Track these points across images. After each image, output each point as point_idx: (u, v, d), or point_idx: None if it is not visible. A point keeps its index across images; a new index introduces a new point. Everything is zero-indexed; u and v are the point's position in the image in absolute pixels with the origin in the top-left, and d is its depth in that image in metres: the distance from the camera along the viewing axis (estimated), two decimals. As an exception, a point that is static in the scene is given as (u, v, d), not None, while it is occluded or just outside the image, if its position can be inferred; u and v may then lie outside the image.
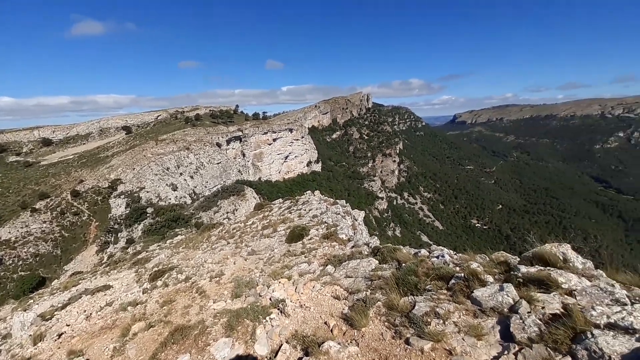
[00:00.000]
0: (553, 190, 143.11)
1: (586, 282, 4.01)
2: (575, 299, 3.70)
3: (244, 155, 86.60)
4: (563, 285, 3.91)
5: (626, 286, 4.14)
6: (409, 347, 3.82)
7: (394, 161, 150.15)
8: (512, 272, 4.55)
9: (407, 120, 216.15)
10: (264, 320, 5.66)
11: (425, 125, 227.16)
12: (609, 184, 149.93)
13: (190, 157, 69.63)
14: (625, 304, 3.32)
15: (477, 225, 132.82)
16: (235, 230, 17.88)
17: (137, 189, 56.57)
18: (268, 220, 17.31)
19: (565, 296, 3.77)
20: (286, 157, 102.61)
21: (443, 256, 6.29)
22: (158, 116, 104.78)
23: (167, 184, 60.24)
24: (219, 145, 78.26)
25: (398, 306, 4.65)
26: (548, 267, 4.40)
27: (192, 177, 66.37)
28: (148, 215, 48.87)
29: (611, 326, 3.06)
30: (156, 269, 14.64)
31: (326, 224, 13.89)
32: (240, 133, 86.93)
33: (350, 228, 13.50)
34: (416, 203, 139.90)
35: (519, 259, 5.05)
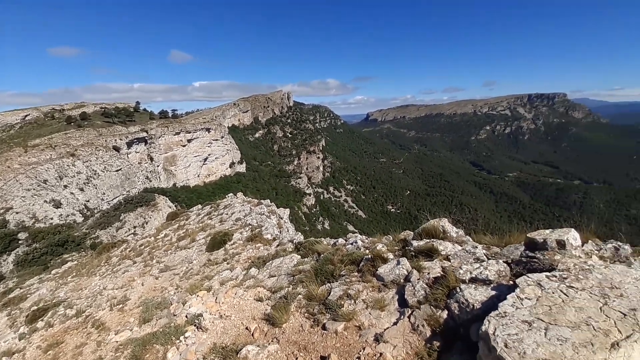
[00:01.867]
0: (445, 175, 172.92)
1: (458, 247, 4.98)
2: (450, 262, 4.55)
3: (151, 159, 75.88)
4: (442, 252, 4.77)
5: (486, 246, 5.32)
6: (325, 331, 4.04)
7: (319, 158, 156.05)
8: (406, 247, 5.30)
9: (327, 118, 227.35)
10: (178, 341, 5.13)
11: (343, 123, 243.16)
12: (482, 167, 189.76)
13: (77, 165, 57.05)
14: (483, 261, 4.26)
15: (392, 210, 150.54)
16: (143, 247, 15.61)
17: (1, 210, 43.47)
18: (185, 230, 15.70)
19: (444, 261, 4.61)
20: (205, 159, 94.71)
21: (356, 242, 6.86)
22: (26, 116, 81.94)
23: (45, 201, 48.01)
24: (117, 149, 66.45)
25: (317, 295, 4.86)
26: (433, 239, 5.29)
27: (81, 189, 54.62)
28: (20, 242, 38.07)
29: (473, 280, 3.87)
30: (35, 307, 11.63)
31: (250, 226, 13.46)
32: (145, 134, 75.66)
33: (275, 227, 13.41)
34: (341, 196, 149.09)
35: (412, 235, 5.91)
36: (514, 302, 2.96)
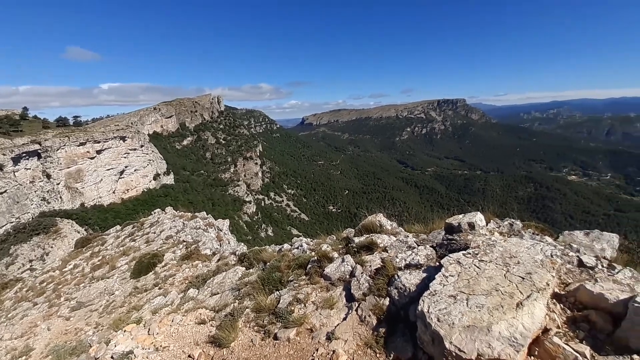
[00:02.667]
0: (377, 173, 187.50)
1: (393, 238, 5.46)
2: (388, 252, 4.96)
3: (48, 176, 62.53)
4: (380, 245, 5.16)
5: (416, 235, 5.95)
6: (277, 341, 3.95)
7: (256, 164, 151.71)
8: (349, 245, 5.58)
9: (263, 123, 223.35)
10: (103, 389, 4.35)
11: (279, 127, 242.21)
12: (407, 164, 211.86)
13: None
14: (414, 248, 4.76)
15: (333, 210, 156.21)
16: (45, 284, 12.76)
17: None
18: (101, 257, 13.41)
19: (382, 252, 4.99)
20: (122, 172, 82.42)
21: (302, 245, 6.89)
22: None
23: None
24: (-2, 167, 52.95)
25: (266, 306, 4.71)
26: (371, 234, 5.69)
27: (-57, 221, 41.87)
28: None
29: (408, 266, 4.30)
30: None
31: (185, 243, 12.27)
32: (37, 146, 61.96)
33: (215, 241, 12.52)
34: (282, 201, 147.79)
35: (353, 232, 6.25)
36: (441, 281, 3.40)
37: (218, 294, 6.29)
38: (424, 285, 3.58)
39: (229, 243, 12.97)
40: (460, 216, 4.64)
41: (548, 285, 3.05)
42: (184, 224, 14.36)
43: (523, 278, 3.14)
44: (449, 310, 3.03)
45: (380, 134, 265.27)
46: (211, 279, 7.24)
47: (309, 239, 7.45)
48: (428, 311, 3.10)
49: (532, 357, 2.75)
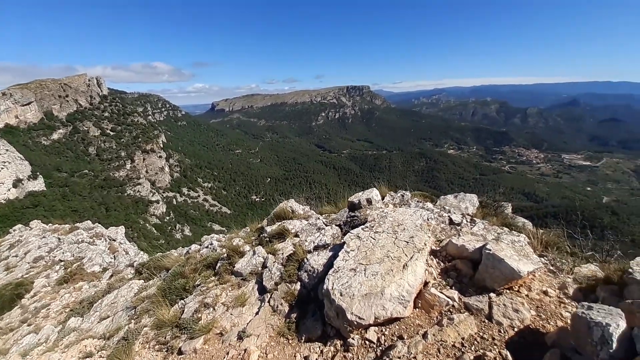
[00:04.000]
0: (297, 158, 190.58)
1: (304, 222, 5.54)
2: (299, 237, 5.00)
3: None
4: (292, 231, 5.16)
5: (327, 215, 6.18)
6: (182, 356, 3.53)
7: (160, 157, 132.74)
8: (262, 235, 5.40)
9: (164, 109, 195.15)
10: None
11: (186, 114, 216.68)
12: (325, 147, 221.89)
13: None
14: (323, 229, 4.92)
15: (256, 199, 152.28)
16: None
17: None
18: None
19: (294, 238, 5.00)
20: (-45, 182, 60.06)
21: (212, 244, 6.35)
22: None
23: None
24: None
25: (168, 320, 4.15)
26: (284, 221, 5.63)
27: None
28: None
29: (316, 248, 4.41)
30: None
31: (63, 263, 9.85)
32: None
33: (105, 254, 10.43)
34: (199, 196, 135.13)
35: (266, 221, 6.09)
36: (344, 257, 3.60)
37: (109, 317, 5.26)
38: (329, 264, 3.73)
39: (126, 254, 11.03)
40: (360, 193, 5.01)
41: (426, 245, 3.58)
42: (59, 239, 11.45)
43: (407, 242, 3.59)
44: (350, 283, 3.22)
45: (297, 119, 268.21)
46: (100, 301, 6.00)
47: (221, 235, 6.93)
48: (332, 288, 3.23)
49: (417, 309, 3.20)
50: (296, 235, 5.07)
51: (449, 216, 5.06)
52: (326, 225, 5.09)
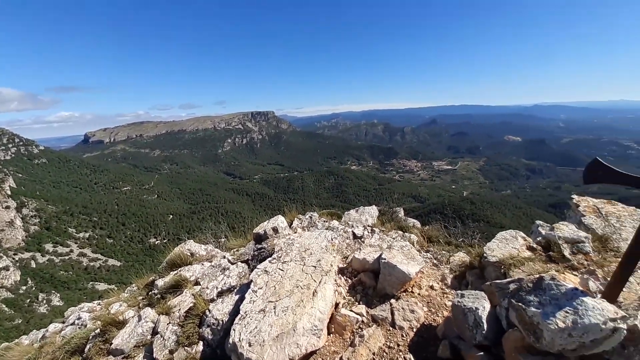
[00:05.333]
0: (205, 189, 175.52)
1: (207, 264, 4.89)
2: (201, 285, 4.34)
3: None
4: (191, 279, 4.45)
5: (234, 251, 5.65)
6: None
7: (8, 207, 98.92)
8: (151, 291, 4.46)
9: (11, 145, 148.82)
10: None
11: (46, 149, 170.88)
12: (235, 174, 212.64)
13: None
14: (227, 269, 4.42)
15: (156, 242, 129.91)
16: None
17: None
18: None
19: (194, 287, 4.31)
20: None
21: (80, 317, 4.87)
22: None
23: None
24: None
25: None
26: (180, 268, 4.83)
27: None
28: None
29: (221, 294, 3.89)
30: None
31: None
32: None
33: None
34: (72, 250, 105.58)
35: (158, 273, 5.11)
36: (251, 298, 3.27)
37: None
38: (236, 310, 3.32)
39: None
40: (265, 223, 4.81)
41: (332, 266, 3.63)
42: None
43: (315, 267, 3.57)
44: (259, 327, 2.91)
45: (201, 147, 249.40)
46: None
47: (95, 303, 5.41)
48: (239, 339, 2.84)
49: (331, 335, 3.15)
50: (197, 283, 4.39)
51: (352, 231, 5.38)
52: (232, 264, 4.62)
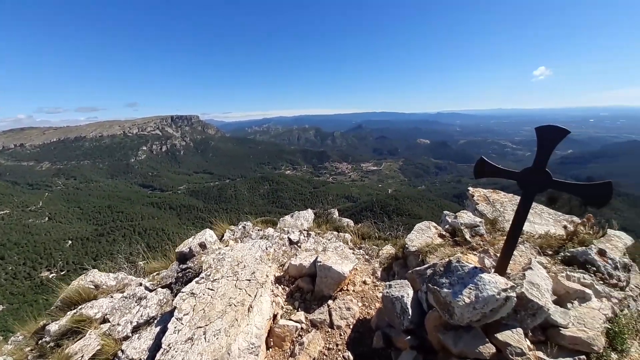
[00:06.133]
0: (115, 205, 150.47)
1: (118, 295, 4.14)
2: (110, 321, 3.65)
3: None
4: (96, 316, 3.70)
5: (155, 275, 4.92)
6: None
7: None
8: (42, 340, 3.54)
9: None
10: None
11: None
12: (153, 187, 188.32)
13: None
14: (144, 298, 3.82)
15: (51, 275, 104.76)
16: None
17: None
18: None
19: (102, 325, 3.60)
20: None
21: None
22: None
23: None
24: None
25: None
26: (82, 305, 3.97)
27: None
28: None
29: (137, 328, 3.33)
30: None
31: None
32: None
33: None
34: None
35: (51, 316, 4.10)
36: (175, 327, 2.88)
37: None
38: (157, 344, 2.88)
39: None
40: (190, 239, 4.35)
41: (268, 276, 3.50)
42: None
43: (249, 280, 3.38)
44: (187, 359, 2.58)
45: (107, 156, 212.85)
46: None
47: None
48: (162, 378, 2.47)
49: (270, 350, 3.02)
50: (105, 321, 3.67)
51: (288, 237, 5.32)
52: (151, 291, 4.02)
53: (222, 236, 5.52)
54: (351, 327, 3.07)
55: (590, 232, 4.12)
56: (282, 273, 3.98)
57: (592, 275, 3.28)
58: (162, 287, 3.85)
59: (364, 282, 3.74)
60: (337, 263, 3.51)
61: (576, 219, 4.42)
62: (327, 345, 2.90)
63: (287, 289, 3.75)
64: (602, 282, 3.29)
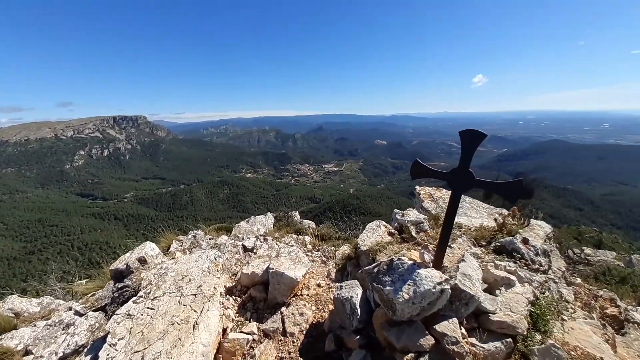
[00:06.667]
0: (48, 218, 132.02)
1: (42, 323, 3.60)
2: (33, 354, 3.15)
3: None
4: (18, 348, 3.17)
5: (90, 296, 4.38)
6: None
7: None
8: None
9: None
10: None
11: None
12: (94, 195, 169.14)
13: None
14: (72, 324, 3.37)
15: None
16: None
17: None
18: None
19: (24, 359, 3.09)
20: None
21: None
22: None
23: None
24: None
25: None
26: (1, 336, 3.37)
27: None
28: None
29: None
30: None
31: None
32: None
33: None
34: None
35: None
36: (108, 354, 2.58)
37: None
38: (85, 377, 2.55)
39: None
40: (127, 255, 3.95)
41: (216, 288, 3.32)
42: None
43: (195, 295, 3.17)
44: (120, 390, 2.33)
45: (35, 163, 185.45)
46: None
47: None
48: (90, 415, 2.19)
49: (219, 366, 2.86)
50: (27, 353, 3.17)
51: (242, 244, 5.13)
52: (81, 315, 3.57)
53: (169, 247, 5.13)
54: (304, 332, 3.05)
55: (517, 223, 4.66)
56: (234, 283, 3.81)
57: (517, 262, 3.70)
58: (95, 310, 3.43)
59: (319, 285, 3.75)
60: (290, 268, 3.47)
61: (505, 212, 4.97)
62: (280, 355, 2.84)
63: (239, 299, 3.60)
64: (526, 267, 3.72)
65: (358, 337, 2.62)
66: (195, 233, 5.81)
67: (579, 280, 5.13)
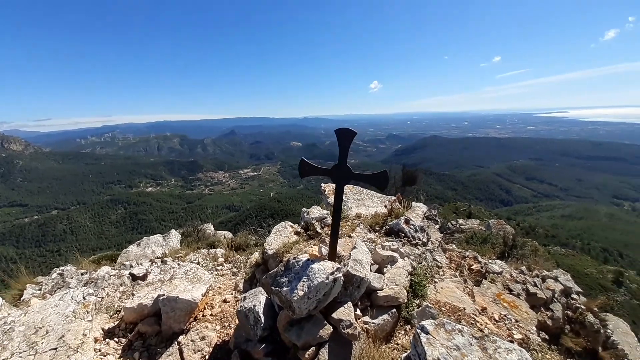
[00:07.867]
0: None
1: None
2: None
3: None
4: None
5: None
6: None
7: None
8: None
9: None
10: None
11: None
12: None
13: None
14: None
15: None
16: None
17: None
18: None
19: None
20: None
21: None
22: None
23: None
24: None
25: None
26: None
27: None
28: None
29: None
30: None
31: None
32: None
33: None
34: None
35: None
36: None
37: None
38: None
39: None
40: None
41: (85, 335, 2.70)
42: None
43: (56, 349, 2.50)
44: None
45: None
46: None
47: None
48: None
49: None
50: None
51: (129, 272, 4.35)
52: None
53: (21, 295, 3.92)
54: (207, 357, 2.78)
55: (402, 207, 5.43)
56: (115, 323, 3.17)
57: (402, 240, 4.32)
58: None
59: (224, 301, 3.50)
60: (187, 290, 3.11)
61: (392, 198, 5.75)
62: (177, 391, 2.50)
63: (123, 340, 3.02)
64: (408, 244, 4.37)
65: (263, 345, 2.54)
66: (63, 270, 4.63)
67: (453, 246, 6.39)
